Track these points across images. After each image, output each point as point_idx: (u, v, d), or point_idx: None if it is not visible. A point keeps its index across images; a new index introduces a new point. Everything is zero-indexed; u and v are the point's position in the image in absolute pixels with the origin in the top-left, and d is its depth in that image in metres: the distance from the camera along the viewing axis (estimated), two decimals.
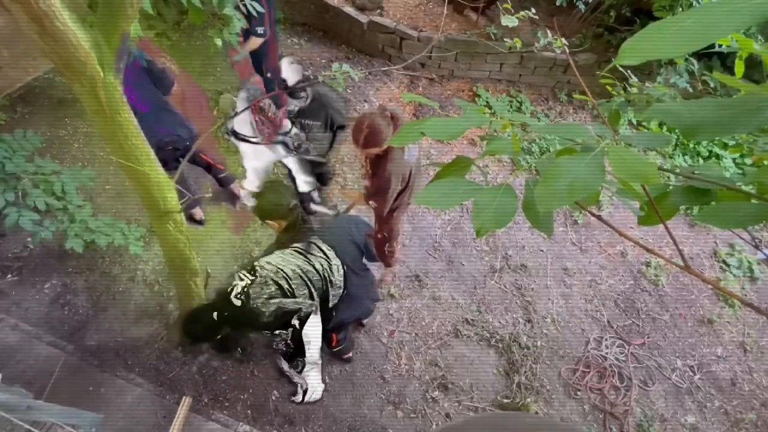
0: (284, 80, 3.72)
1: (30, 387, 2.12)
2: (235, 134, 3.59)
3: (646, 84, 2.07)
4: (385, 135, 2.18)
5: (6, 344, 2.52)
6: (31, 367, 2.46)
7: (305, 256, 2.20)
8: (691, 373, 3.09)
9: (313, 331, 2.28)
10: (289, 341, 2.37)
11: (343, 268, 2.30)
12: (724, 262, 3.65)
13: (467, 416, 2.74)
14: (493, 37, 4.26)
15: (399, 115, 2.30)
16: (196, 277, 2.52)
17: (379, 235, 2.74)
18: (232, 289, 2.05)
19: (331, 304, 2.31)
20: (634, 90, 2.01)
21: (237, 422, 2.46)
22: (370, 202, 2.52)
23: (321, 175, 3.55)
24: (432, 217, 3.60)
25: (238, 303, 2.03)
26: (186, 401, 2.43)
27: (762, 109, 0.58)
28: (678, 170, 0.89)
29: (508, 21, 2.49)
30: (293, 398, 2.62)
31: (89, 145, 3.49)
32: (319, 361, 2.55)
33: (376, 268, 3.02)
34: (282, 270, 2.10)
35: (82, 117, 3.57)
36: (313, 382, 2.60)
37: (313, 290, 2.18)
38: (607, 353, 3.07)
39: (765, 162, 1.18)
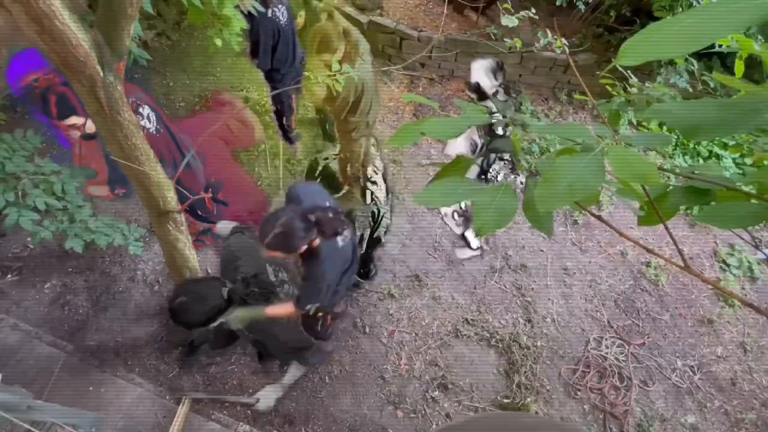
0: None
1: (30, 387, 2.11)
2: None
3: (646, 84, 2.07)
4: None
5: (6, 344, 2.52)
6: (31, 367, 2.45)
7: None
8: (691, 373, 3.09)
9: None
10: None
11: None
12: (724, 262, 3.65)
13: (467, 416, 2.74)
14: (493, 37, 4.25)
15: (357, 36, 2.13)
16: (197, 276, 2.52)
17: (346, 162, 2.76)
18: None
19: None
20: (634, 90, 2.01)
21: (237, 422, 2.46)
22: (319, 111, 2.46)
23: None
24: (432, 217, 3.60)
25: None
26: (186, 401, 2.43)
27: (762, 109, 0.58)
28: (678, 170, 0.89)
29: (508, 21, 2.50)
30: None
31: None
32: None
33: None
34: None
35: None
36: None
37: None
38: (607, 353, 3.07)
39: (765, 162, 1.18)
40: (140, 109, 2.27)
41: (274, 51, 2.92)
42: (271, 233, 1.79)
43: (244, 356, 2.74)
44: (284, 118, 3.39)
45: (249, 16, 2.64)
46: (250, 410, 2.59)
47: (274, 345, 2.51)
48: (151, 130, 2.31)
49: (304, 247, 1.88)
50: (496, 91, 3.43)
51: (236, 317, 2.21)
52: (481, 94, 3.25)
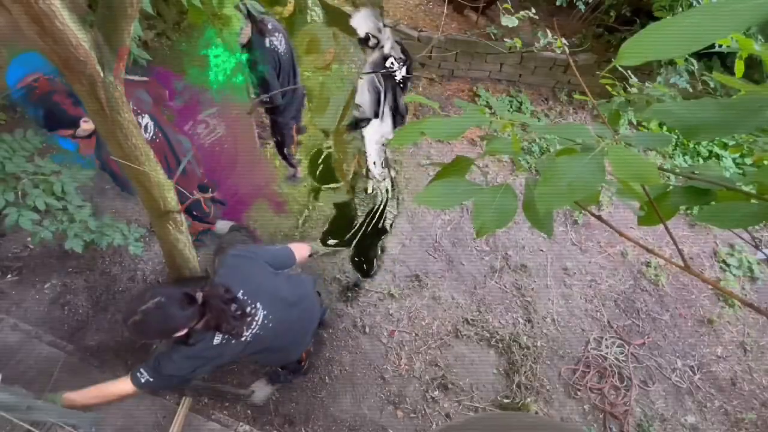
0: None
1: (30, 387, 2.11)
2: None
3: (646, 84, 2.07)
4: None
5: (6, 344, 2.52)
6: (31, 367, 2.45)
7: None
8: (691, 373, 3.09)
9: None
10: None
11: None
12: (724, 262, 3.65)
13: (467, 416, 2.74)
14: (493, 37, 4.26)
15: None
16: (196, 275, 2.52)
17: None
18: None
19: None
20: (634, 90, 2.01)
21: (237, 422, 2.46)
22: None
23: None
24: (432, 217, 3.60)
25: None
26: (186, 401, 2.43)
27: (762, 109, 0.58)
28: (678, 170, 0.89)
29: (508, 21, 2.50)
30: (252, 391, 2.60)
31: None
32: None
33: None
34: None
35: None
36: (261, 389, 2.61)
37: None
38: (607, 353, 3.07)
39: (765, 162, 1.18)
40: (138, 119, 2.26)
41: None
42: (129, 318, 1.50)
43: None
44: (285, 148, 3.34)
45: (249, 49, 2.55)
46: (250, 409, 2.59)
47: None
48: (146, 139, 2.31)
49: (183, 331, 1.59)
50: (378, 41, 3.24)
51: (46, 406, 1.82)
52: (367, 41, 3.11)
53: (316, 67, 2.56)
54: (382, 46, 2.83)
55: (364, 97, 2.97)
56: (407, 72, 2.83)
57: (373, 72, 2.70)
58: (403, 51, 2.91)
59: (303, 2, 3.10)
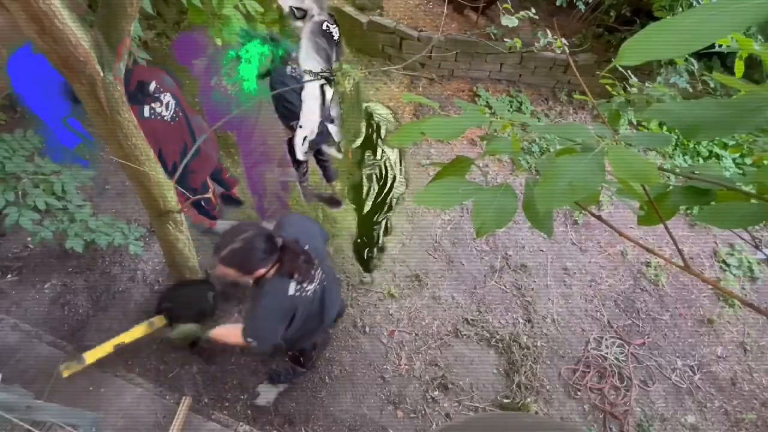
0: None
1: (30, 387, 2.12)
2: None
3: (646, 84, 2.07)
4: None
5: (6, 344, 2.52)
6: (31, 367, 2.45)
7: None
8: (691, 373, 3.09)
9: None
10: None
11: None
12: (724, 262, 3.65)
13: (467, 416, 2.74)
14: (493, 37, 4.25)
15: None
16: (196, 276, 2.52)
17: None
18: None
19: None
20: (634, 90, 2.01)
21: (237, 422, 2.46)
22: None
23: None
24: (432, 217, 3.60)
25: None
26: (186, 401, 2.43)
27: (762, 109, 0.58)
28: (678, 170, 0.89)
29: (508, 21, 2.50)
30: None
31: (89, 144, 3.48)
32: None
33: None
34: None
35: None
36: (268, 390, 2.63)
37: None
38: (607, 353, 3.07)
39: (765, 162, 1.18)
40: (161, 96, 2.27)
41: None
42: (228, 246, 1.63)
43: (244, 356, 2.74)
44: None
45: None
46: (250, 409, 2.59)
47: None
48: (166, 118, 2.30)
49: (261, 271, 1.70)
50: (305, 11, 3.08)
51: (180, 331, 2.08)
52: (294, 14, 2.96)
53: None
54: (312, 15, 2.79)
55: (312, 63, 2.95)
56: (336, 26, 2.82)
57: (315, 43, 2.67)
58: (329, 12, 2.88)
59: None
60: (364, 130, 4.11)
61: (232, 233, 1.67)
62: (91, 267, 2.94)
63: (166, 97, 2.31)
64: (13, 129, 2.28)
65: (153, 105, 2.22)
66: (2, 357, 2.46)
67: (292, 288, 1.76)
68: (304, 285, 1.80)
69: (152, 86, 2.22)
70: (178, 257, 2.31)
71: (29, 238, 2.88)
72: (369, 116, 4.18)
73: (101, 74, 1.33)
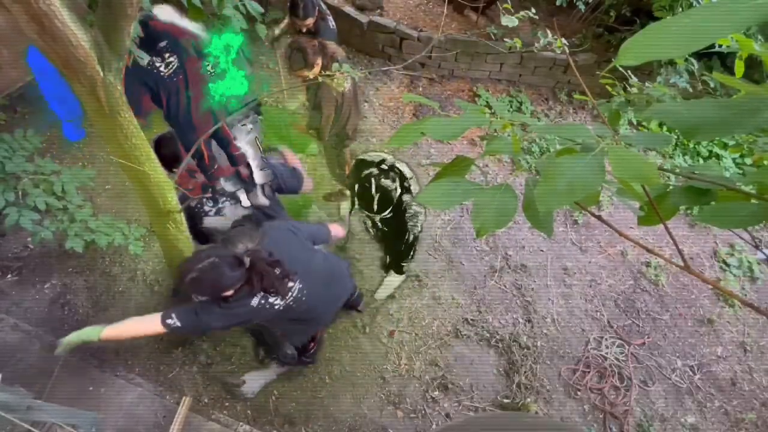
0: None
1: (30, 387, 2.12)
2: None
3: (646, 84, 2.06)
4: (311, 59, 2.41)
5: (6, 344, 2.52)
6: (31, 367, 2.45)
7: None
8: (691, 373, 3.09)
9: None
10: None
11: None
12: (724, 262, 3.65)
13: (467, 416, 2.74)
14: (493, 37, 4.25)
15: (334, 48, 2.46)
16: None
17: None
18: None
19: None
20: (634, 90, 2.00)
21: (237, 422, 2.46)
22: (310, 131, 2.77)
23: None
24: (432, 217, 3.60)
25: None
26: (186, 401, 2.43)
27: (762, 109, 0.58)
28: (678, 170, 0.89)
29: (508, 21, 2.49)
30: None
31: (89, 145, 3.48)
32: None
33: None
34: None
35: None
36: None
37: None
38: (607, 353, 3.07)
39: (765, 162, 1.17)
40: (165, 55, 2.20)
41: None
42: (188, 275, 1.63)
43: (244, 356, 2.74)
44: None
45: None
46: (250, 409, 2.59)
47: (269, 333, 2.47)
48: (162, 74, 2.24)
49: (230, 293, 1.70)
50: None
51: (68, 342, 1.91)
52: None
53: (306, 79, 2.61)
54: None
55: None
56: None
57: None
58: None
59: None
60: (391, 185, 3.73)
61: (194, 259, 1.66)
62: (91, 267, 2.94)
63: (171, 58, 2.28)
64: (13, 129, 2.28)
65: (154, 58, 2.20)
66: (2, 357, 2.46)
67: (255, 301, 1.75)
68: (270, 300, 1.77)
69: (163, 44, 2.19)
70: (177, 257, 2.31)
71: (29, 238, 2.88)
72: (401, 176, 3.79)
73: (101, 74, 1.33)
